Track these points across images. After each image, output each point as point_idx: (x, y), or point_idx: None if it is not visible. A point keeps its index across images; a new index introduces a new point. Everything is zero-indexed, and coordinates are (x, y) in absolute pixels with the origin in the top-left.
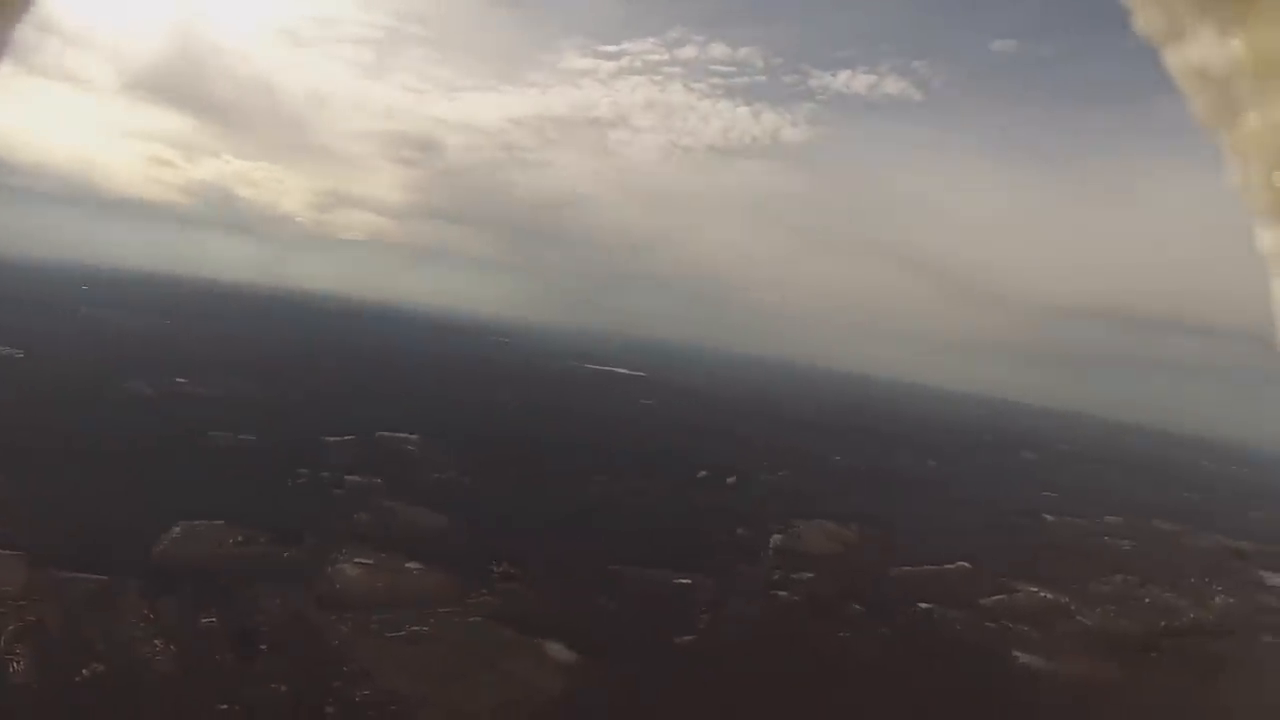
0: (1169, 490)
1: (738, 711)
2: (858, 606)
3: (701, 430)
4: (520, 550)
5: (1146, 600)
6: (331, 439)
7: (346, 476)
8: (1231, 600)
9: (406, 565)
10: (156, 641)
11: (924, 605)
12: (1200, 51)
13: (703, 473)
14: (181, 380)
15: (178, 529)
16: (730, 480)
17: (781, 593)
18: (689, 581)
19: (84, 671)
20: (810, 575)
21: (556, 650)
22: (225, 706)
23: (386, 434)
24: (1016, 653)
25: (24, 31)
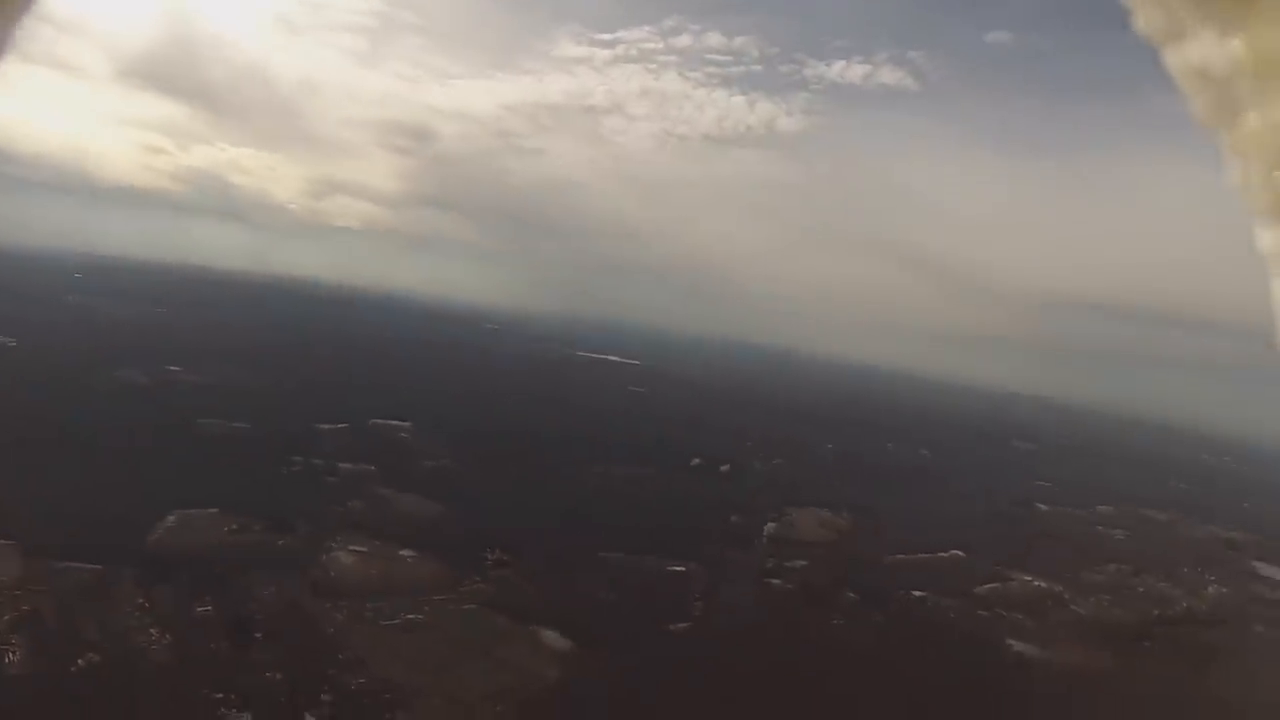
0: (1162, 481)
1: (732, 698)
2: (851, 594)
3: (695, 418)
4: (514, 538)
5: (1140, 589)
6: (325, 427)
7: (340, 464)
8: (1224, 590)
9: (400, 553)
10: (152, 630)
11: (918, 593)
12: (1200, 51)
13: (696, 461)
14: (175, 368)
15: (172, 518)
16: (724, 468)
17: (775, 580)
18: (683, 569)
19: (80, 661)
20: (804, 563)
21: (551, 637)
22: (221, 695)
23: (380, 422)
24: (1010, 641)
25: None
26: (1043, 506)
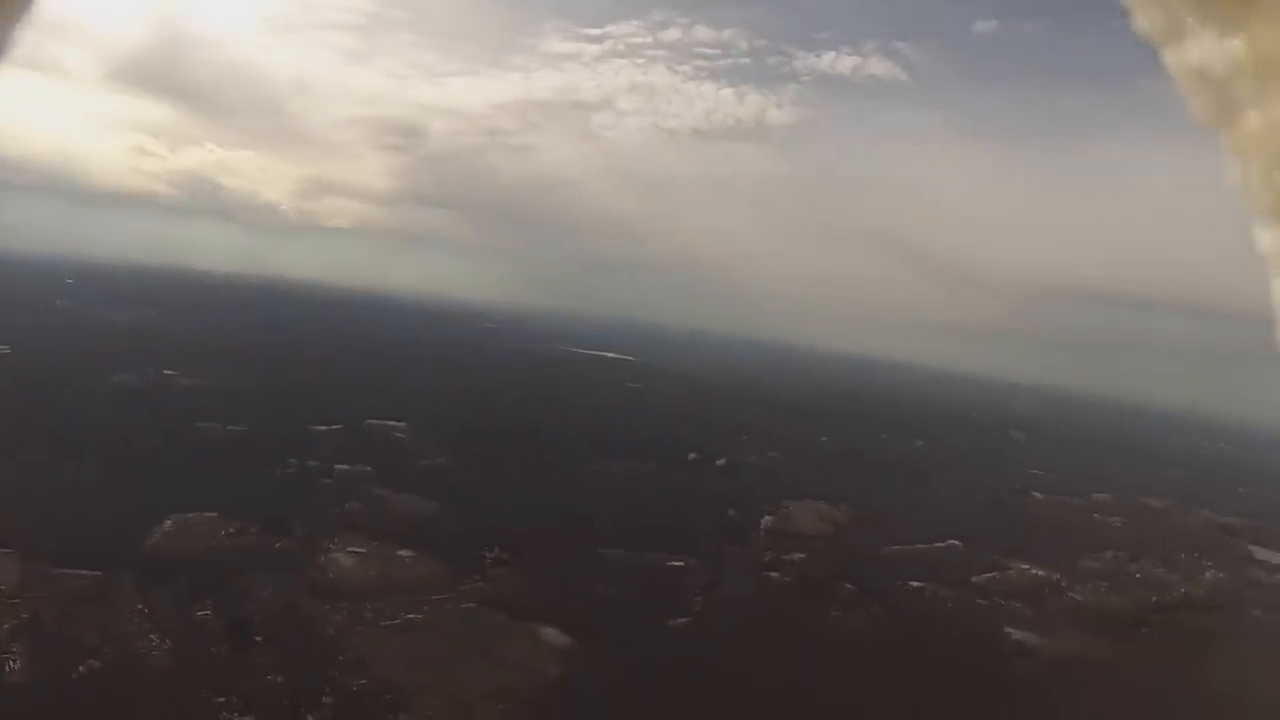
0: (1158, 468)
1: (733, 692)
2: (849, 586)
3: (690, 413)
4: (512, 536)
5: (1137, 576)
6: (320, 428)
7: (336, 465)
8: (1221, 575)
9: (398, 553)
10: (152, 635)
11: (915, 584)
12: (1200, 51)
13: (692, 455)
14: (169, 372)
15: (169, 522)
16: (720, 463)
17: (773, 573)
18: (681, 564)
19: (80, 667)
20: (801, 556)
21: (551, 635)
22: (222, 699)
23: (375, 422)
24: (1009, 629)
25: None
26: (1039, 495)
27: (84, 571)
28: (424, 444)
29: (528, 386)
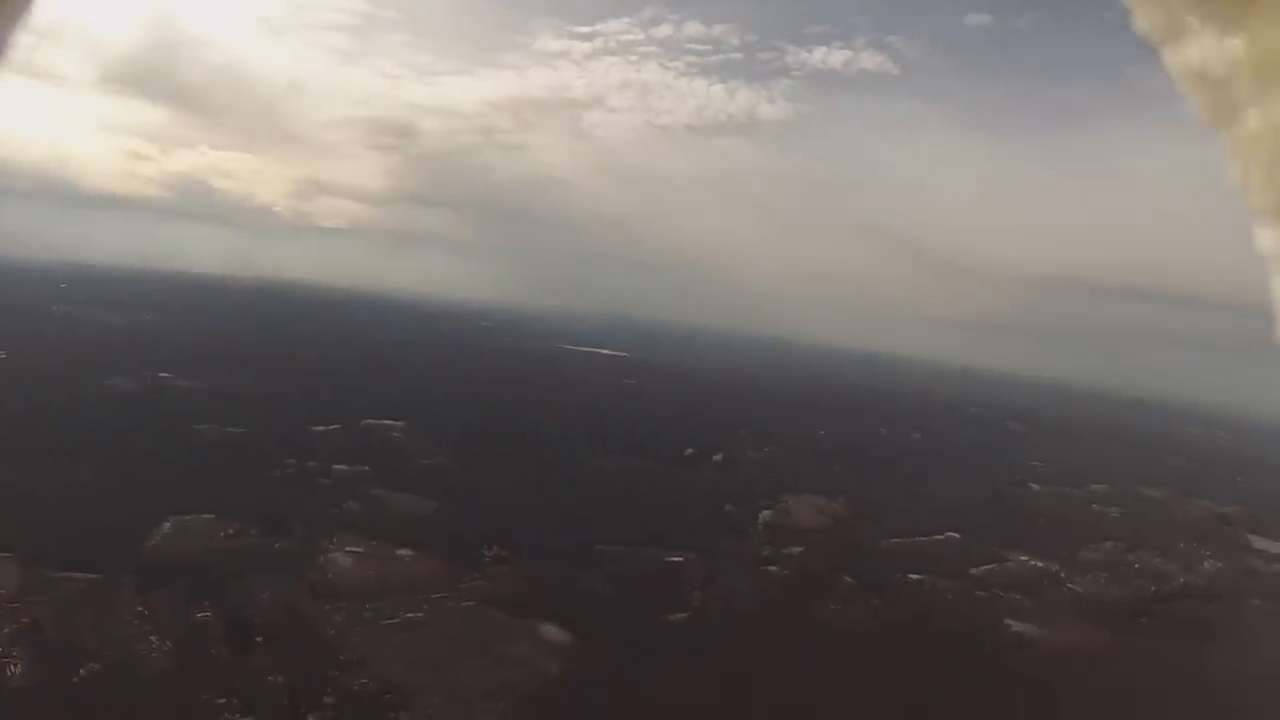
0: (1157, 458)
1: (734, 686)
2: (848, 579)
3: (687, 409)
4: (510, 533)
5: (1136, 566)
6: (318, 428)
7: (334, 466)
8: (1220, 565)
9: (397, 552)
10: (152, 638)
11: (914, 576)
12: (1200, 51)
13: (689, 451)
14: (165, 374)
15: (168, 524)
16: (717, 458)
17: (772, 568)
18: (680, 559)
19: (81, 671)
20: (800, 549)
21: (551, 632)
22: (223, 700)
23: (373, 422)
24: (1008, 621)
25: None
26: (1037, 486)
27: (83, 575)
28: (422, 443)
29: (524, 385)
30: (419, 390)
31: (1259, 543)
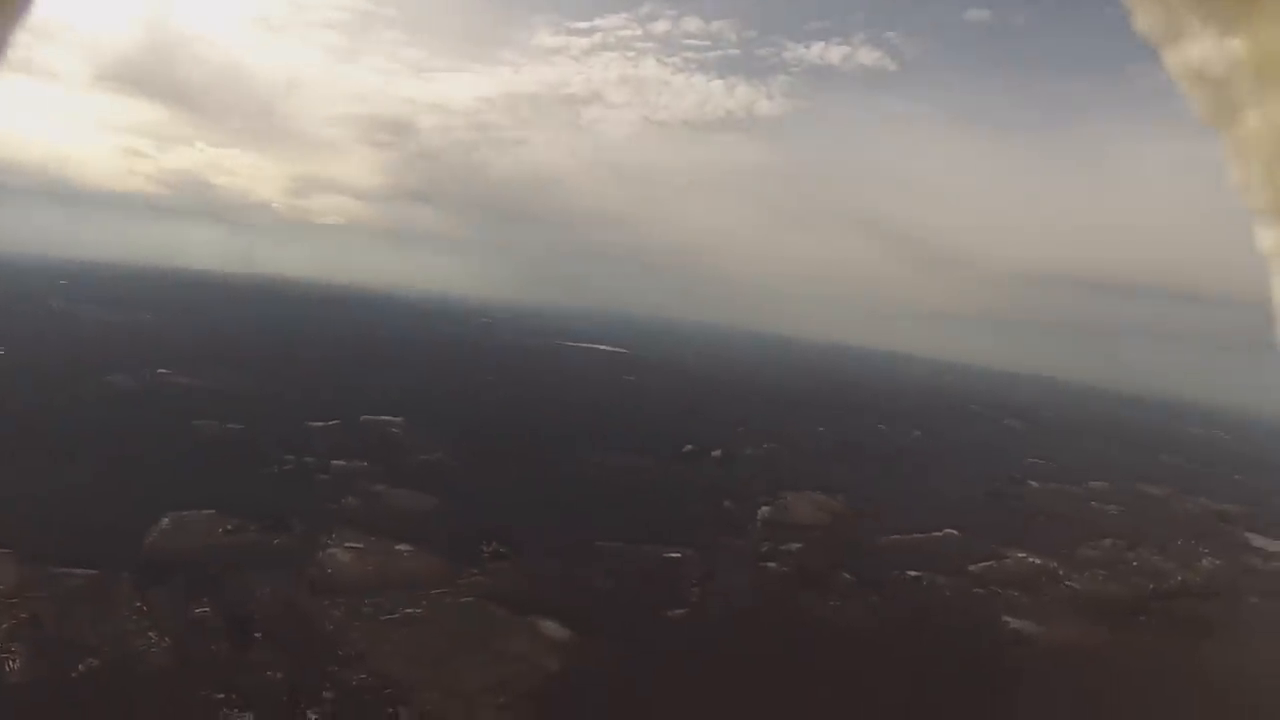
0: (1155, 456)
1: (732, 682)
2: (847, 576)
3: (685, 405)
4: (509, 529)
5: (1134, 564)
6: (316, 425)
7: (332, 461)
8: (1218, 563)
9: (396, 548)
10: (151, 634)
11: (913, 573)
12: (1200, 51)
13: (688, 447)
14: (164, 371)
15: (167, 520)
16: (716, 454)
17: (771, 564)
18: (678, 556)
19: (80, 667)
20: (799, 546)
21: (550, 628)
22: (222, 695)
23: (371, 418)
24: (1006, 618)
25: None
26: (1036, 484)
27: (82, 571)
28: (420, 439)
29: (523, 381)
30: (417, 386)
31: (1257, 540)
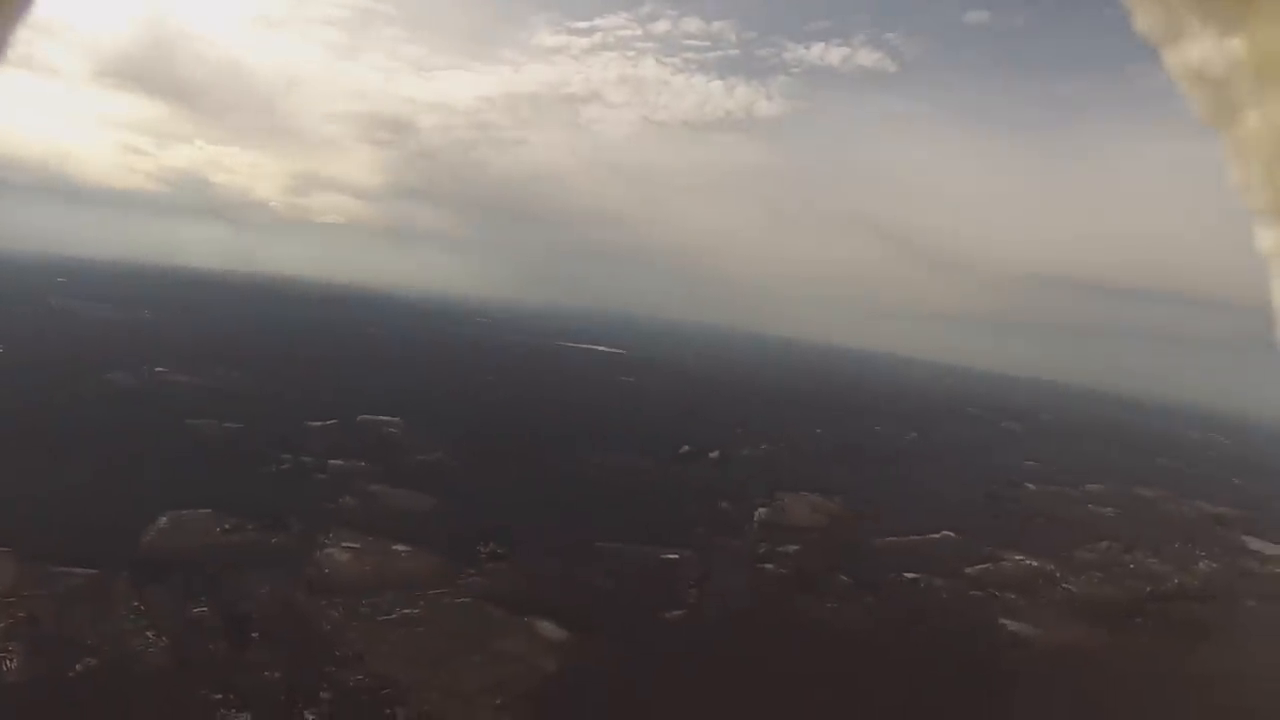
0: (1152, 459)
1: (729, 683)
2: (844, 577)
3: (683, 406)
4: (507, 530)
5: (1131, 566)
6: (314, 424)
7: (330, 461)
8: (1214, 565)
9: (394, 548)
10: (148, 633)
11: (910, 575)
12: (1200, 51)
13: (685, 448)
14: (162, 369)
15: (164, 519)
16: (713, 455)
17: (767, 565)
18: (675, 556)
19: (77, 666)
20: (795, 547)
21: (547, 628)
22: (219, 695)
23: (369, 418)
24: (1003, 620)
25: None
26: (1032, 486)
27: (80, 570)
28: (418, 439)
29: (521, 381)
30: (416, 386)
31: (1254, 544)
